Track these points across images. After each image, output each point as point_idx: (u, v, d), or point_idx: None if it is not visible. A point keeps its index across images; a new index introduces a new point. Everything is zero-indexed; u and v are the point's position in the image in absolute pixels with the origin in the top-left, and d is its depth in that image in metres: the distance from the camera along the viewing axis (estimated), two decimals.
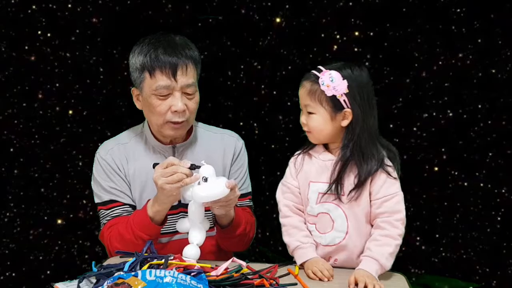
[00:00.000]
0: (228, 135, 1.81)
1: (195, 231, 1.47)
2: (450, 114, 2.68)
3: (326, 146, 1.57)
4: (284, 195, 1.60)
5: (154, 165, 1.50)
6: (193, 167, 1.46)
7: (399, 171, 1.52)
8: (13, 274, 2.76)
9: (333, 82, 1.46)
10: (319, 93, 1.47)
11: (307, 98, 1.50)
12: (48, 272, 2.80)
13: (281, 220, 1.59)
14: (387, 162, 1.50)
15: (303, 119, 1.53)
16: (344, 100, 1.47)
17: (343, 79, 1.47)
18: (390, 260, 1.43)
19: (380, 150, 1.50)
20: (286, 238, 1.57)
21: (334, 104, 1.47)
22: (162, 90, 1.57)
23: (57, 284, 1.29)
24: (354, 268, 1.45)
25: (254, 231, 1.76)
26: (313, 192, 1.53)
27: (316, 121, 1.50)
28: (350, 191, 1.48)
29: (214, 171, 1.44)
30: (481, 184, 2.68)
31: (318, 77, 1.48)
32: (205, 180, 1.41)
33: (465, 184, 2.70)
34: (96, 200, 1.72)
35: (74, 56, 2.71)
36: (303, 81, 1.52)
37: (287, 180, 1.60)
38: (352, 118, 1.48)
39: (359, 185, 1.47)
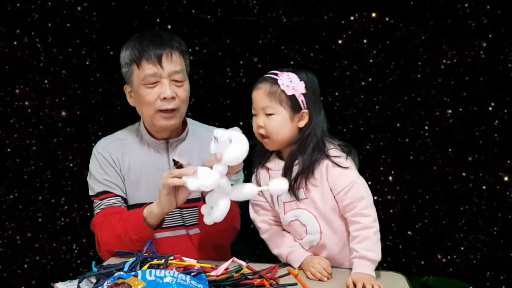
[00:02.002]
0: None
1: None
2: (456, 113, 2.73)
3: (279, 155, 1.64)
4: (257, 213, 1.70)
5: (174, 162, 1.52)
6: (177, 164, 1.49)
7: (357, 164, 1.60)
8: (3, 277, 2.82)
9: (292, 82, 1.56)
10: (279, 93, 1.55)
11: (265, 99, 1.56)
12: (41, 275, 2.84)
13: (263, 236, 1.69)
14: (334, 153, 1.57)
15: (259, 122, 1.57)
16: (302, 101, 1.56)
17: (300, 81, 1.57)
18: (376, 250, 1.49)
19: (326, 146, 1.58)
20: (275, 251, 1.65)
21: (293, 104, 1.56)
22: (149, 78, 1.67)
23: (57, 284, 1.35)
24: (342, 265, 1.57)
25: (239, 221, 1.81)
26: (279, 203, 1.62)
27: (276, 122, 1.56)
28: (297, 182, 1.55)
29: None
30: (488, 186, 2.73)
31: (276, 79, 1.56)
32: (230, 141, 1.42)
33: (471, 185, 2.75)
34: (90, 193, 1.81)
35: (67, 53, 2.76)
36: (259, 84, 1.58)
37: (255, 198, 1.68)
38: (308, 119, 1.57)
39: (302, 173, 1.55)
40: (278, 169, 1.61)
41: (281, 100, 1.55)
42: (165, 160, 1.80)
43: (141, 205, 1.73)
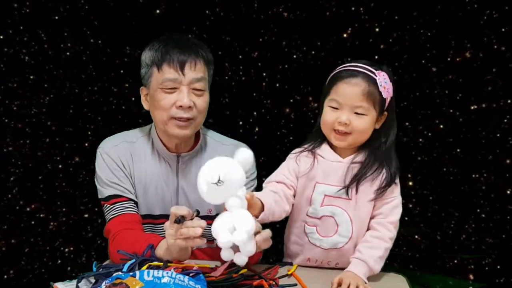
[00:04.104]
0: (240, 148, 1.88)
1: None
2: (464, 112, 2.77)
3: (331, 146, 1.63)
4: (274, 181, 1.65)
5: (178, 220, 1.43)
6: (178, 221, 1.41)
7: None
8: None
9: (387, 84, 1.53)
10: (376, 95, 1.52)
11: (361, 99, 1.51)
12: (34, 279, 2.89)
13: (264, 184, 1.65)
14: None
15: (344, 118, 1.52)
16: (387, 103, 1.56)
17: (390, 81, 1.55)
18: (379, 263, 1.55)
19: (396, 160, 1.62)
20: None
21: (381, 106, 1.54)
22: (168, 83, 1.68)
23: (56, 284, 1.41)
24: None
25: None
26: (318, 193, 1.61)
27: (366, 123, 1.53)
28: (353, 183, 1.57)
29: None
30: (497, 187, 2.78)
31: (374, 78, 1.52)
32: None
33: (484, 187, 2.80)
34: (99, 196, 1.82)
35: (61, 50, 2.80)
36: (352, 79, 1.52)
37: (283, 172, 1.65)
38: (386, 121, 1.58)
39: (384, 188, 1.56)
40: (333, 161, 1.59)
41: (375, 102, 1.52)
42: (174, 174, 1.81)
43: (146, 217, 1.79)
